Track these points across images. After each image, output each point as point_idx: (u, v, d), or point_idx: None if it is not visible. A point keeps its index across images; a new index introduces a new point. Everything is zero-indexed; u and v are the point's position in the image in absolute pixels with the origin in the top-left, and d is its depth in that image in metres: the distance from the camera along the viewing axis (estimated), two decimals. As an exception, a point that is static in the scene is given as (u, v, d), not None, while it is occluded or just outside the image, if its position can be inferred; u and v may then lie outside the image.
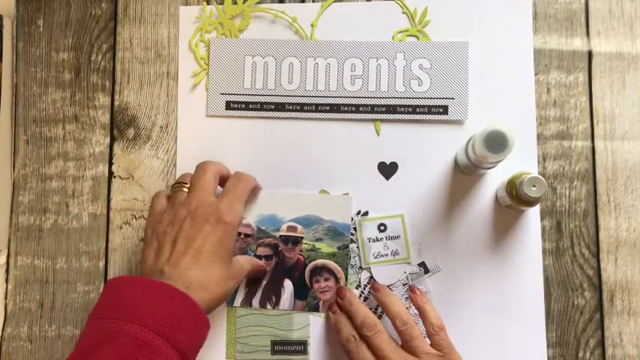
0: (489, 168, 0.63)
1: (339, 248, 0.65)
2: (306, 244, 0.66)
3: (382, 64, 0.68)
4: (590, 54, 0.68)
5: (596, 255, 0.66)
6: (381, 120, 0.68)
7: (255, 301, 0.65)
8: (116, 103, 0.70)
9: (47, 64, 0.70)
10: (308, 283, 0.65)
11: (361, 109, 0.68)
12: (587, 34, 0.68)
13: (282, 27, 0.70)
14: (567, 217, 0.66)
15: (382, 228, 0.66)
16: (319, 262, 0.65)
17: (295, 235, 0.66)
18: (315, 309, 0.65)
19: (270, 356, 0.65)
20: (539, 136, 0.67)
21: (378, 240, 0.66)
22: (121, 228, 0.68)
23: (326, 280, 0.65)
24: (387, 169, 0.67)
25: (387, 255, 0.66)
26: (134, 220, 0.68)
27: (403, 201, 0.66)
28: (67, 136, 0.70)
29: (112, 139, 0.69)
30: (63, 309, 0.67)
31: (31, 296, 0.68)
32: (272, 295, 0.65)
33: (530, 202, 0.61)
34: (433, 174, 0.67)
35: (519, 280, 0.65)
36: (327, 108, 0.68)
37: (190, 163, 0.68)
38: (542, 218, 0.66)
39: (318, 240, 0.66)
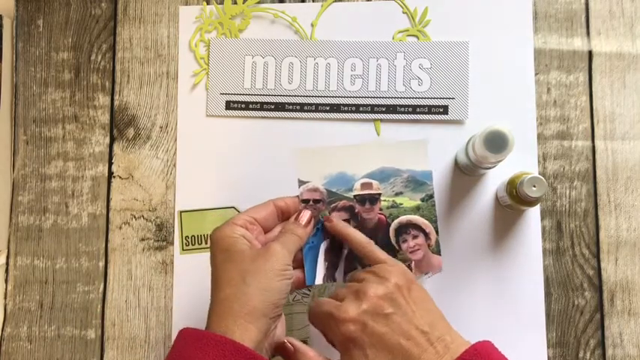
0: (489, 168, 0.63)
1: (422, 200, 0.59)
2: (385, 200, 0.59)
3: (382, 64, 0.68)
4: (590, 54, 0.68)
5: (597, 255, 0.66)
6: (381, 120, 0.68)
7: (339, 274, 0.57)
8: (116, 102, 0.70)
9: (47, 64, 0.70)
10: (395, 245, 0.58)
11: (361, 109, 0.68)
12: (588, 34, 0.68)
13: (282, 27, 0.70)
14: (567, 217, 0.66)
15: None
16: (404, 218, 0.59)
17: (371, 192, 0.59)
18: None
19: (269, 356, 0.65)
20: (539, 136, 0.67)
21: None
22: (120, 228, 0.68)
23: (414, 237, 0.59)
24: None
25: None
26: (134, 220, 0.68)
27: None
28: (67, 136, 0.70)
29: (112, 139, 0.69)
30: (62, 309, 0.67)
31: (30, 296, 0.68)
32: (356, 264, 0.57)
33: (531, 202, 0.61)
34: (433, 174, 0.67)
35: (519, 280, 0.65)
36: (327, 108, 0.68)
37: (190, 163, 0.68)
38: (542, 218, 0.66)
39: (398, 194, 0.59)
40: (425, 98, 0.67)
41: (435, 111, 0.67)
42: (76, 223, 0.68)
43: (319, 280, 0.56)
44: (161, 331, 0.66)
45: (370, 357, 0.48)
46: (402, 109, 0.67)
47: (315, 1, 0.70)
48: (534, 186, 0.58)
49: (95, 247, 0.68)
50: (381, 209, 0.59)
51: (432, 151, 0.67)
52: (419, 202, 0.59)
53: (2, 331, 0.67)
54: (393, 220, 0.59)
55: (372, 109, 0.68)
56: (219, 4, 0.70)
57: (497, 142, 0.55)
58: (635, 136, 0.67)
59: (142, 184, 0.68)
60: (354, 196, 0.59)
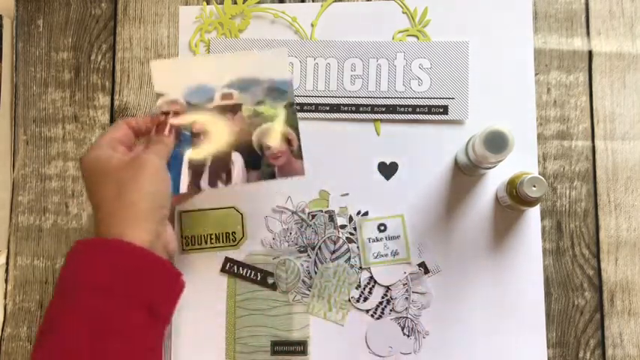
0: (489, 168, 0.63)
1: (285, 107, 0.59)
2: (246, 109, 0.59)
3: (382, 64, 0.68)
4: (590, 54, 0.68)
5: (597, 255, 0.66)
6: (381, 120, 0.68)
7: (204, 183, 0.58)
8: (116, 103, 0.70)
9: (47, 64, 0.70)
10: (258, 152, 0.59)
11: (361, 109, 0.68)
12: (588, 34, 0.68)
13: (282, 27, 0.70)
14: (567, 217, 0.66)
15: (382, 228, 0.66)
16: (265, 126, 0.59)
17: (232, 102, 0.58)
18: (270, 176, 0.59)
19: (269, 357, 0.65)
20: (539, 136, 0.67)
21: (377, 240, 0.66)
22: (120, 228, 0.68)
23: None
24: (387, 169, 0.67)
25: (386, 255, 0.66)
26: (134, 220, 0.68)
27: (403, 201, 0.66)
28: (67, 136, 0.70)
29: (112, 139, 0.69)
30: (63, 309, 0.67)
31: (30, 296, 0.68)
32: (221, 172, 0.58)
33: (531, 202, 0.61)
34: (433, 174, 0.67)
35: (519, 280, 0.65)
36: (327, 108, 0.68)
37: (190, 163, 0.68)
38: (542, 218, 0.66)
39: (259, 103, 0.58)
40: (425, 98, 0.67)
41: (434, 111, 0.67)
42: (76, 223, 0.68)
43: (183, 188, 0.58)
44: (161, 331, 0.66)
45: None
46: (402, 109, 0.67)
47: (315, 1, 0.70)
48: (534, 186, 0.58)
49: (95, 247, 0.68)
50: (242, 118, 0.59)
51: (432, 151, 0.67)
52: (280, 110, 0.59)
53: (2, 331, 0.67)
54: (255, 129, 0.59)
55: (372, 109, 0.68)
56: (220, 4, 0.70)
57: (497, 142, 0.55)
58: (635, 136, 0.67)
59: (142, 184, 0.68)
60: (215, 107, 0.58)
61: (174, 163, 0.57)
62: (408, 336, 0.65)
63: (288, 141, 0.59)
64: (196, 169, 0.58)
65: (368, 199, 0.67)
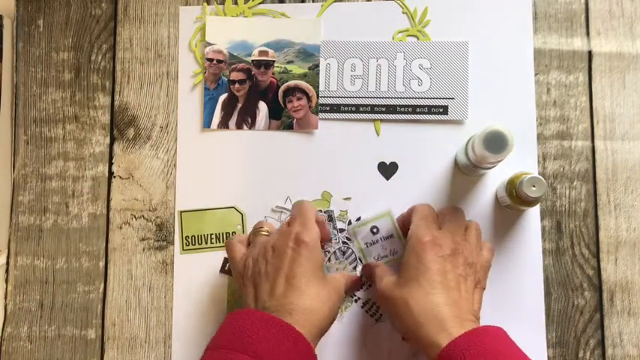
0: (489, 168, 0.63)
1: (309, 69, 0.68)
2: (277, 67, 0.68)
3: (382, 64, 0.68)
4: (590, 54, 0.68)
5: (596, 255, 0.66)
6: (381, 120, 0.68)
7: (232, 123, 0.68)
8: (116, 103, 0.70)
9: (47, 64, 0.70)
10: (281, 104, 0.68)
11: (361, 109, 0.68)
12: (587, 34, 0.68)
13: (282, 27, 0.70)
14: (567, 217, 0.66)
15: (375, 230, 0.66)
16: (291, 82, 0.68)
17: (267, 58, 0.68)
18: (289, 127, 0.68)
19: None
20: (539, 136, 0.67)
21: (374, 243, 0.66)
22: (120, 228, 0.68)
23: (298, 99, 0.67)
24: (387, 169, 0.67)
25: (386, 256, 0.65)
26: (134, 220, 0.68)
27: (403, 201, 0.66)
28: (67, 136, 0.70)
29: (112, 139, 0.69)
30: (63, 309, 0.67)
31: (31, 296, 0.68)
32: (247, 117, 0.68)
33: (530, 202, 0.61)
34: (433, 174, 0.67)
35: (519, 280, 0.65)
36: (327, 108, 0.68)
37: (190, 163, 0.68)
38: (542, 218, 0.66)
39: (290, 62, 0.68)
40: (425, 98, 0.67)
41: (434, 111, 0.67)
42: (76, 223, 0.68)
43: (214, 125, 0.68)
44: (161, 331, 0.66)
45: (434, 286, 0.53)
46: (402, 109, 0.67)
47: (315, 1, 0.70)
48: (534, 186, 0.58)
49: (95, 247, 0.68)
50: (273, 73, 0.68)
51: (432, 151, 0.67)
52: (306, 70, 0.68)
53: (2, 331, 0.67)
54: (282, 84, 0.68)
55: (372, 109, 0.68)
56: (220, 4, 0.70)
57: (497, 142, 0.55)
58: (635, 136, 0.67)
59: (142, 184, 0.68)
60: (252, 60, 0.68)
61: (209, 103, 0.68)
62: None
63: (308, 97, 0.67)
64: (227, 110, 0.68)
65: (368, 199, 0.67)
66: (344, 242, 0.66)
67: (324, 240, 0.63)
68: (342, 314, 0.65)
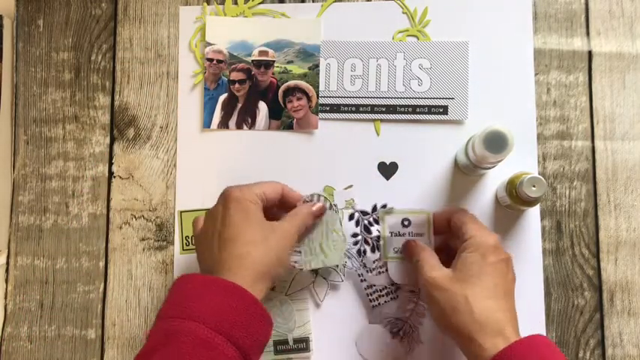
0: (489, 168, 0.63)
1: (309, 69, 0.68)
2: (277, 67, 0.68)
3: (382, 64, 0.68)
4: (590, 54, 0.68)
5: (596, 255, 0.66)
6: (381, 120, 0.68)
7: (232, 123, 0.68)
8: (116, 103, 0.70)
9: (47, 64, 0.70)
10: (281, 104, 0.68)
11: (361, 109, 0.68)
12: (587, 34, 0.68)
13: (282, 27, 0.70)
14: (567, 217, 0.66)
15: (406, 223, 0.64)
16: (291, 82, 0.68)
17: (267, 58, 0.68)
18: (289, 127, 0.68)
19: (273, 356, 0.65)
20: (539, 136, 0.67)
21: (400, 235, 0.64)
22: (120, 228, 0.68)
23: (298, 99, 0.67)
24: (387, 169, 0.67)
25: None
26: (134, 220, 0.68)
27: (403, 201, 0.66)
28: (67, 136, 0.70)
29: (112, 139, 0.69)
30: (63, 309, 0.67)
31: (31, 296, 0.68)
32: (247, 117, 0.68)
33: (530, 202, 0.61)
34: (433, 174, 0.67)
35: (519, 280, 0.65)
36: (327, 108, 0.68)
37: (190, 163, 0.68)
38: (542, 218, 0.66)
39: (290, 62, 0.68)
40: (425, 98, 0.67)
41: (434, 111, 0.67)
42: (76, 223, 0.68)
43: (214, 125, 0.68)
44: (161, 331, 0.66)
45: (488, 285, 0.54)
46: (402, 109, 0.67)
47: (315, 1, 0.70)
48: (534, 186, 0.58)
49: (95, 247, 0.68)
50: (273, 73, 0.68)
51: (432, 151, 0.67)
52: (306, 70, 0.68)
53: (2, 331, 0.67)
54: (282, 84, 0.68)
55: (372, 109, 0.68)
56: (220, 4, 0.70)
57: (497, 142, 0.55)
58: (635, 136, 0.67)
59: (142, 184, 0.68)
60: (252, 60, 0.68)
61: (210, 103, 0.68)
62: (402, 338, 0.64)
63: (308, 97, 0.67)
64: (227, 110, 0.68)
65: (368, 199, 0.67)
66: (370, 223, 0.66)
67: (278, 200, 0.61)
68: (343, 258, 0.64)
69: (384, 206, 0.66)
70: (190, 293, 0.50)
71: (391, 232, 0.64)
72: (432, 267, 0.57)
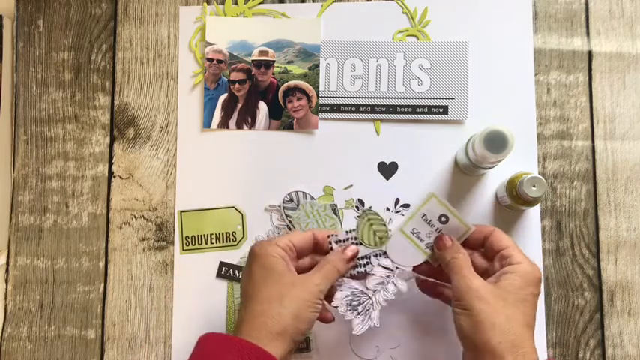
0: (489, 168, 0.63)
1: (309, 68, 0.68)
2: (277, 67, 0.68)
3: (382, 64, 0.68)
4: (590, 54, 0.68)
5: (596, 255, 0.66)
6: (381, 120, 0.68)
7: (232, 123, 0.68)
8: (116, 103, 0.70)
9: (47, 64, 0.70)
10: (281, 104, 0.68)
11: (361, 109, 0.68)
12: (587, 34, 0.68)
13: (282, 27, 0.70)
14: (567, 217, 0.66)
15: (443, 220, 0.59)
16: (291, 82, 0.68)
17: (267, 58, 0.68)
18: (289, 127, 0.68)
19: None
20: (539, 136, 0.67)
21: (429, 224, 0.59)
22: (120, 228, 0.68)
23: (298, 99, 0.68)
24: (387, 169, 0.67)
25: (421, 240, 0.59)
26: (134, 220, 0.68)
27: (403, 201, 0.66)
28: (67, 136, 0.70)
29: (112, 139, 0.69)
30: (63, 309, 0.67)
31: (31, 296, 0.68)
32: (247, 117, 0.68)
33: (530, 202, 0.61)
34: (433, 174, 0.67)
35: (519, 280, 0.65)
36: (327, 108, 0.68)
37: (190, 163, 0.68)
38: (542, 218, 0.66)
39: (290, 62, 0.68)
40: (425, 98, 0.67)
41: (434, 111, 0.67)
42: (76, 223, 0.68)
43: (214, 125, 0.68)
44: (161, 331, 0.66)
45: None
46: (402, 109, 0.67)
47: (315, 1, 0.70)
48: (534, 186, 0.58)
49: (95, 247, 0.68)
50: (273, 73, 0.68)
51: (432, 151, 0.67)
52: (306, 70, 0.68)
53: (2, 331, 0.67)
54: (282, 84, 0.68)
55: (372, 109, 0.68)
56: (220, 4, 0.70)
57: (497, 142, 0.56)
58: (635, 136, 0.67)
59: (142, 184, 0.68)
60: (252, 60, 0.68)
61: (209, 103, 0.68)
62: (359, 313, 0.59)
63: (308, 97, 0.67)
64: (227, 110, 0.68)
65: (368, 199, 0.67)
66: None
67: (311, 246, 0.59)
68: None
69: (407, 205, 0.66)
70: (209, 352, 0.51)
71: (424, 215, 0.59)
72: (473, 274, 0.55)
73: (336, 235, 0.59)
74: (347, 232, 0.59)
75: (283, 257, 0.55)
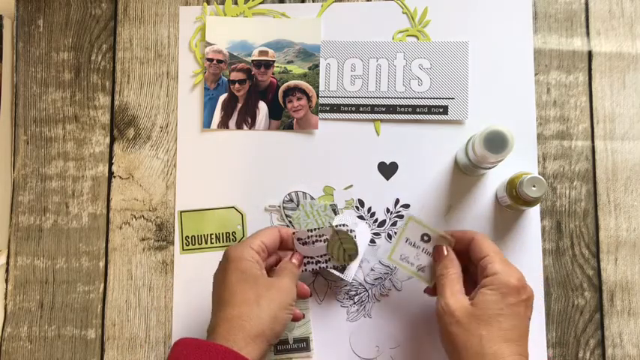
0: (489, 168, 0.63)
1: (309, 68, 0.68)
2: (277, 67, 0.68)
3: (382, 64, 0.68)
4: (590, 54, 0.68)
5: (596, 255, 0.66)
6: (381, 120, 0.68)
7: (232, 123, 0.68)
8: (116, 103, 0.70)
9: (47, 64, 0.70)
10: (281, 104, 0.68)
11: (361, 109, 0.68)
12: (587, 34, 0.68)
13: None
14: (567, 217, 0.66)
15: (426, 238, 0.61)
16: (291, 82, 0.68)
17: (267, 58, 0.68)
18: (289, 127, 0.68)
19: (273, 356, 0.65)
20: (539, 136, 0.67)
21: (414, 247, 0.61)
22: (120, 228, 0.68)
23: (298, 99, 0.68)
24: (387, 169, 0.67)
25: (411, 264, 0.61)
26: (134, 220, 0.68)
27: (403, 201, 0.66)
28: (67, 136, 0.70)
29: (112, 139, 0.69)
30: (63, 309, 0.67)
31: (31, 296, 0.68)
32: (247, 117, 0.68)
33: (530, 202, 0.61)
34: (433, 174, 0.67)
35: (519, 280, 0.65)
36: (327, 108, 0.68)
37: (190, 164, 0.68)
38: (542, 218, 0.66)
39: (290, 62, 0.68)
40: (425, 98, 0.67)
41: (434, 111, 0.67)
42: (76, 223, 0.68)
43: (214, 125, 0.68)
44: (161, 331, 0.66)
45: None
46: (402, 109, 0.67)
47: (315, 1, 0.70)
48: (534, 186, 0.58)
49: (95, 247, 0.68)
50: (273, 73, 0.68)
51: (432, 151, 0.67)
52: (306, 70, 0.68)
53: (2, 331, 0.67)
54: (282, 84, 0.68)
55: (372, 109, 0.68)
56: (220, 4, 0.70)
57: (497, 142, 0.56)
58: (635, 136, 0.67)
59: (142, 184, 0.68)
60: (252, 60, 0.68)
61: (209, 103, 0.68)
62: (354, 303, 0.62)
63: (308, 97, 0.67)
64: (227, 110, 0.68)
65: (368, 199, 0.67)
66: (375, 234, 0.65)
67: (280, 248, 0.61)
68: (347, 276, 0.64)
69: (407, 206, 0.66)
70: (183, 358, 0.51)
71: (407, 239, 0.61)
72: (453, 293, 0.55)
73: (299, 233, 0.61)
74: (309, 231, 0.61)
75: (257, 261, 0.56)
